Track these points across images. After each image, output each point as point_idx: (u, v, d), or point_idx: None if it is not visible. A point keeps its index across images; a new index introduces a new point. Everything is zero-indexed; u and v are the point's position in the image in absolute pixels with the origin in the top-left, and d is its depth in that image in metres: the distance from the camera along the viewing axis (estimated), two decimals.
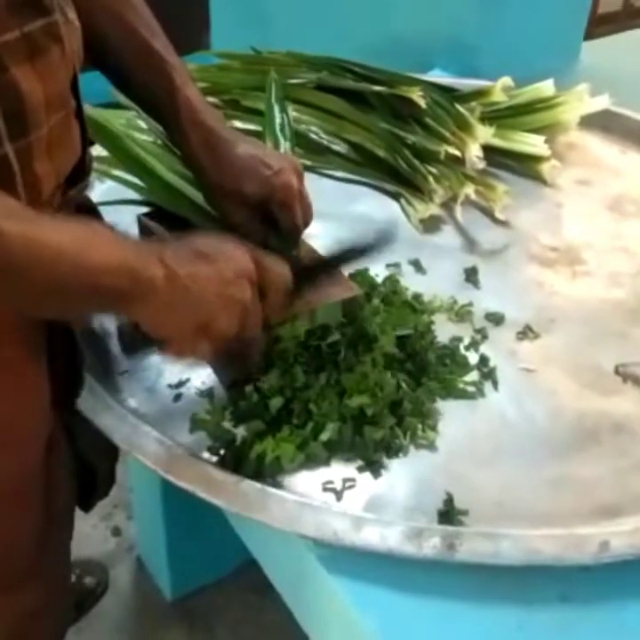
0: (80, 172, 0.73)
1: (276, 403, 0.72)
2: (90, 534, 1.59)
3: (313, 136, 1.14)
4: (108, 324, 0.83)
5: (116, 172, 0.98)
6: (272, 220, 0.80)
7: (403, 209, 1.07)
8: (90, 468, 0.84)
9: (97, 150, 1.04)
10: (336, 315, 0.76)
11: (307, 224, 0.81)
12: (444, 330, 0.85)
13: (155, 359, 0.82)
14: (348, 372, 0.74)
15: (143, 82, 0.79)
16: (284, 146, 0.97)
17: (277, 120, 1.00)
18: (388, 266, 0.94)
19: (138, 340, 0.67)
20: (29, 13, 0.60)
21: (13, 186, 0.62)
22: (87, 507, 0.90)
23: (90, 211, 0.82)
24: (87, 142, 0.73)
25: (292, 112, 1.15)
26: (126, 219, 0.86)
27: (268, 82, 1.05)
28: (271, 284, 0.69)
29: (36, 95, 0.61)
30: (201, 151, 0.79)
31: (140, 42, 0.78)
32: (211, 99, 1.17)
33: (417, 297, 0.88)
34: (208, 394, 0.78)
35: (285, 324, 0.75)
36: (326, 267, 0.80)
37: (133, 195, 0.93)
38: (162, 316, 0.63)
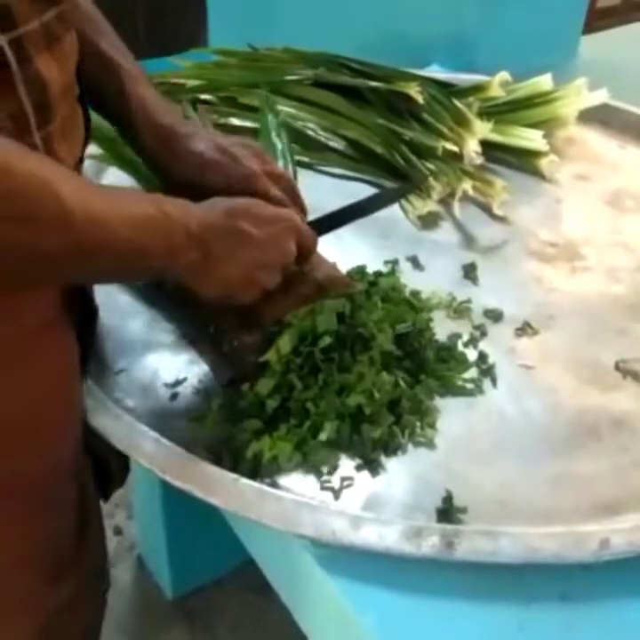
0: (81, 159, 0.73)
1: (272, 402, 0.72)
2: None
3: (310, 133, 1.14)
4: (101, 323, 0.83)
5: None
6: None
7: (400, 205, 1.06)
8: (102, 459, 0.84)
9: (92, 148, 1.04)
10: (332, 319, 0.76)
11: (294, 199, 0.81)
12: (442, 327, 0.85)
13: (151, 358, 0.81)
14: (345, 371, 0.74)
15: (94, 84, 0.78)
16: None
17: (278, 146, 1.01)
18: (385, 262, 0.94)
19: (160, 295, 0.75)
20: (46, 2, 0.60)
21: None
22: (105, 496, 0.90)
23: None
24: (90, 126, 0.73)
25: (289, 109, 1.15)
26: None
27: (261, 102, 1.05)
28: (304, 245, 0.74)
29: (56, 83, 0.61)
30: (156, 149, 0.79)
31: (87, 43, 0.76)
32: (207, 96, 1.17)
33: (415, 294, 0.87)
34: (205, 393, 0.77)
35: (283, 324, 0.75)
36: (324, 223, 0.82)
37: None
38: (194, 283, 0.68)
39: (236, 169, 0.78)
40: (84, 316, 0.78)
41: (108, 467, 0.85)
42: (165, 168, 0.80)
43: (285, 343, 0.73)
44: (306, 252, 0.75)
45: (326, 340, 0.73)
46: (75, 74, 0.67)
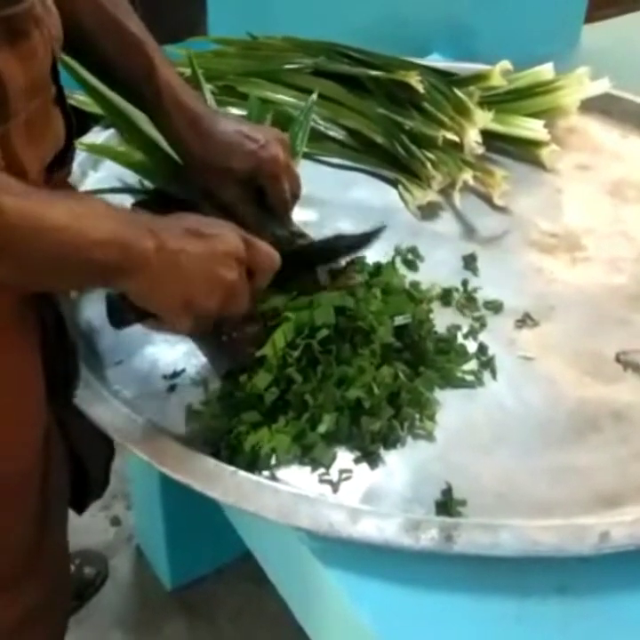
0: (65, 159, 0.72)
1: (270, 394, 0.71)
2: (89, 524, 1.58)
3: (312, 123, 1.13)
4: (98, 315, 0.82)
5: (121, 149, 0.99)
6: (262, 198, 0.80)
7: (400, 195, 1.06)
8: (82, 469, 0.84)
9: (91, 139, 1.04)
10: (330, 312, 0.75)
11: (295, 197, 0.81)
12: (442, 318, 0.84)
13: (149, 349, 0.81)
14: (344, 363, 0.73)
15: (122, 65, 0.79)
16: None
17: None
18: (385, 253, 0.93)
19: (125, 313, 0.68)
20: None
21: None
22: (80, 508, 0.89)
23: None
24: (73, 130, 0.72)
25: (288, 98, 1.14)
26: None
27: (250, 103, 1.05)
28: (259, 265, 0.70)
29: (17, 80, 0.60)
30: (185, 131, 0.79)
31: (116, 24, 0.78)
32: (207, 85, 1.16)
33: (415, 285, 0.87)
34: (203, 384, 0.77)
35: (281, 316, 0.74)
36: (317, 252, 0.80)
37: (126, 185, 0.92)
38: (150, 290, 0.64)
39: (262, 152, 0.78)
40: (54, 322, 0.75)
41: (86, 476, 0.85)
42: (192, 150, 0.80)
43: (280, 337, 0.72)
44: (262, 266, 0.70)
45: (324, 333, 0.73)
46: (49, 73, 0.66)
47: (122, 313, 0.68)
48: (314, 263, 0.79)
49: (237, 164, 0.78)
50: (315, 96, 1.06)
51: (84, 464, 0.84)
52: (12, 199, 0.55)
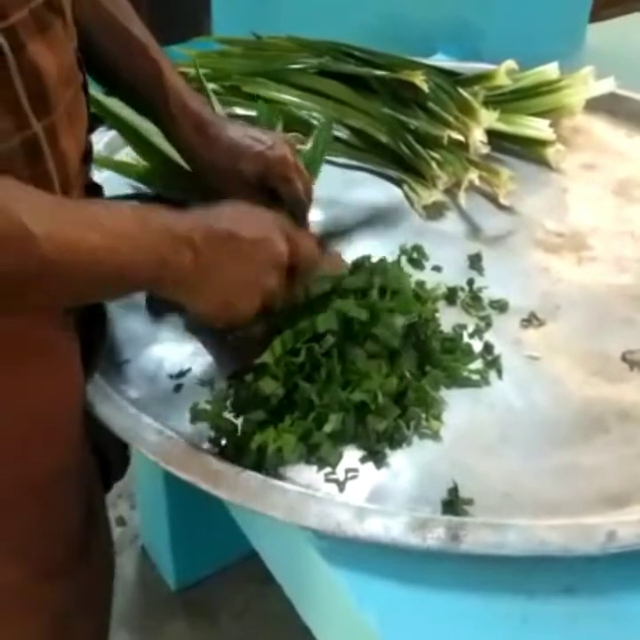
0: (88, 150, 0.72)
1: (276, 395, 0.71)
2: None
3: (314, 122, 1.13)
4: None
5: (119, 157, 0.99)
6: (275, 198, 0.80)
7: (406, 195, 1.05)
8: (102, 451, 0.84)
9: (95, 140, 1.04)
10: (325, 286, 0.75)
11: (309, 198, 0.81)
12: (447, 318, 0.84)
13: (156, 349, 0.81)
14: (349, 368, 0.73)
15: (128, 70, 0.79)
16: None
17: None
18: (390, 253, 0.93)
19: (163, 304, 0.72)
20: None
21: (45, 165, 0.62)
22: (105, 487, 0.90)
23: (96, 188, 0.82)
24: (89, 116, 0.73)
25: (293, 98, 1.14)
26: None
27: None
28: (301, 263, 0.70)
29: (51, 70, 0.60)
30: (193, 136, 0.79)
31: (121, 29, 0.78)
32: (211, 85, 1.16)
33: (420, 284, 0.87)
34: (209, 384, 0.77)
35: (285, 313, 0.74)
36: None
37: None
38: (187, 296, 0.66)
39: (271, 154, 0.78)
40: (92, 315, 0.77)
41: (106, 459, 0.85)
42: (199, 155, 0.80)
43: (278, 346, 0.72)
44: (306, 260, 0.72)
45: (330, 341, 0.72)
46: (75, 61, 0.66)
47: (160, 304, 0.72)
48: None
49: (246, 165, 0.78)
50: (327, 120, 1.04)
51: (101, 447, 0.84)
52: (42, 228, 0.54)
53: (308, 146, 0.97)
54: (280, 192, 0.80)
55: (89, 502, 0.80)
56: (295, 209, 0.81)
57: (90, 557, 0.82)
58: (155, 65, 0.79)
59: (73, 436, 0.75)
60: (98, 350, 0.78)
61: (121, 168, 0.99)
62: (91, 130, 0.73)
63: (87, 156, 0.72)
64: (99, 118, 1.06)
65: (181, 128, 0.80)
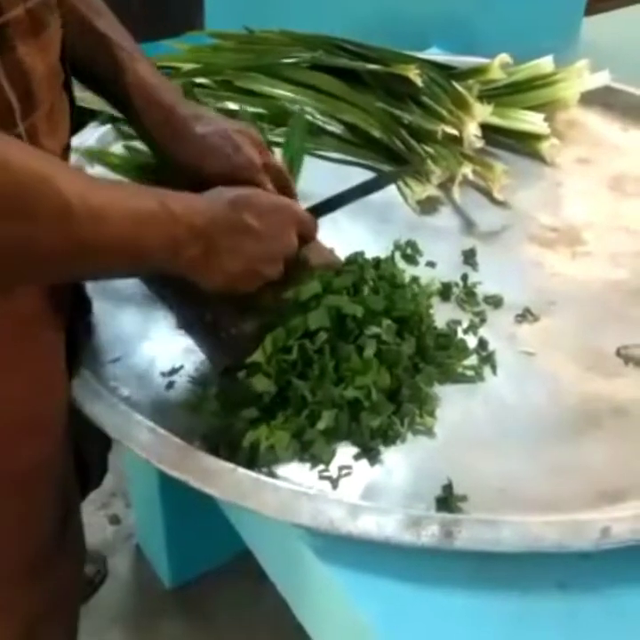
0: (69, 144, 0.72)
1: (268, 392, 0.71)
2: (88, 523, 1.55)
3: (307, 117, 1.12)
4: (96, 312, 0.82)
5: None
6: None
7: (399, 190, 1.05)
8: (80, 456, 0.83)
9: (80, 139, 1.03)
10: (325, 316, 0.74)
11: (289, 196, 0.79)
12: (441, 313, 0.84)
13: (147, 346, 0.80)
14: (342, 361, 0.72)
15: (89, 65, 0.77)
16: None
17: None
18: (384, 248, 0.92)
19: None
20: None
21: None
22: (82, 495, 0.89)
23: None
24: (74, 114, 0.72)
25: (286, 92, 1.13)
26: None
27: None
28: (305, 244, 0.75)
29: (39, 71, 0.60)
30: (158, 129, 0.78)
31: (84, 24, 0.77)
32: (203, 79, 1.15)
33: (414, 280, 0.86)
34: (201, 381, 0.76)
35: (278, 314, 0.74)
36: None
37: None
38: (194, 278, 0.68)
39: (237, 157, 0.76)
40: (76, 309, 0.76)
41: (85, 464, 0.85)
42: (166, 148, 0.79)
43: (269, 343, 0.72)
44: (307, 239, 0.75)
45: (322, 337, 0.72)
46: (59, 60, 0.65)
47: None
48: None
49: (209, 165, 0.76)
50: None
51: (81, 452, 0.83)
52: (85, 206, 0.55)
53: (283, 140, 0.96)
54: None
55: (66, 504, 0.79)
56: None
57: (62, 562, 0.81)
58: (114, 60, 0.77)
59: (57, 428, 0.74)
60: (83, 343, 0.77)
61: (111, 162, 0.98)
62: (80, 125, 0.73)
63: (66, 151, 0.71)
64: (91, 113, 1.05)
65: (145, 121, 0.78)
